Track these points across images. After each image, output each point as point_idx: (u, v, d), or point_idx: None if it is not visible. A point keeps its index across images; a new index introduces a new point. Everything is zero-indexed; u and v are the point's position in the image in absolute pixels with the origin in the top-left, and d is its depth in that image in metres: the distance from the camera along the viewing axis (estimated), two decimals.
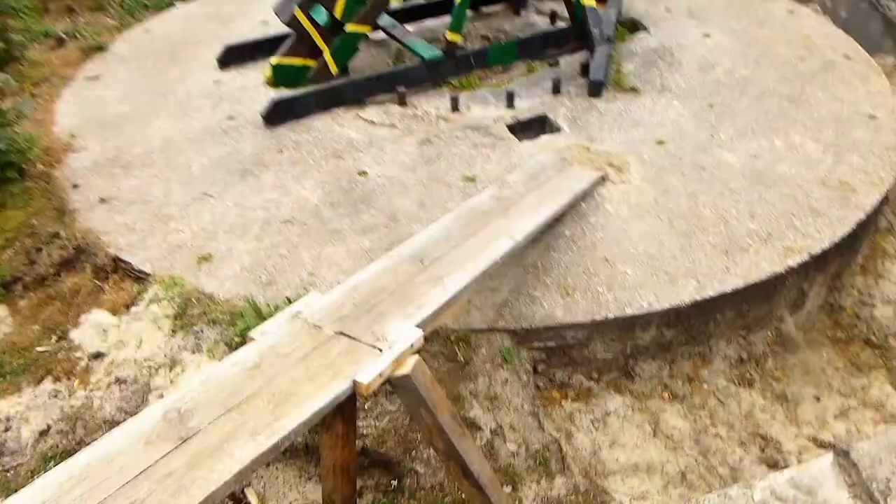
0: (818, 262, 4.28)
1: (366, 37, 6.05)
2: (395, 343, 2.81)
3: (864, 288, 4.86)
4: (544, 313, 3.87)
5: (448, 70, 5.93)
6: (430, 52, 5.90)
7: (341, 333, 2.88)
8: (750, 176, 4.83)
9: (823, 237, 4.35)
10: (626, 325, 3.93)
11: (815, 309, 4.62)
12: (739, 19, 7.04)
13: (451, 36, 5.82)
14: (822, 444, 3.99)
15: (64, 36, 7.42)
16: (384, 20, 6.31)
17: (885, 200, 4.92)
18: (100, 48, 7.01)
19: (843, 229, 4.41)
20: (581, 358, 4.01)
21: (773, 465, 3.87)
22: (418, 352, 2.85)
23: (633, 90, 5.77)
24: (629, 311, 3.89)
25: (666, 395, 4.14)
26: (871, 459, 2.53)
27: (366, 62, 6.40)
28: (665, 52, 6.35)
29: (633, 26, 6.88)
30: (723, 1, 7.46)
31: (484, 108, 5.62)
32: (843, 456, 2.59)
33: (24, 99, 5.80)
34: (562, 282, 4.02)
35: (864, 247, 5.01)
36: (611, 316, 3.87)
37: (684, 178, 4.78)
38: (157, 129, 5.62)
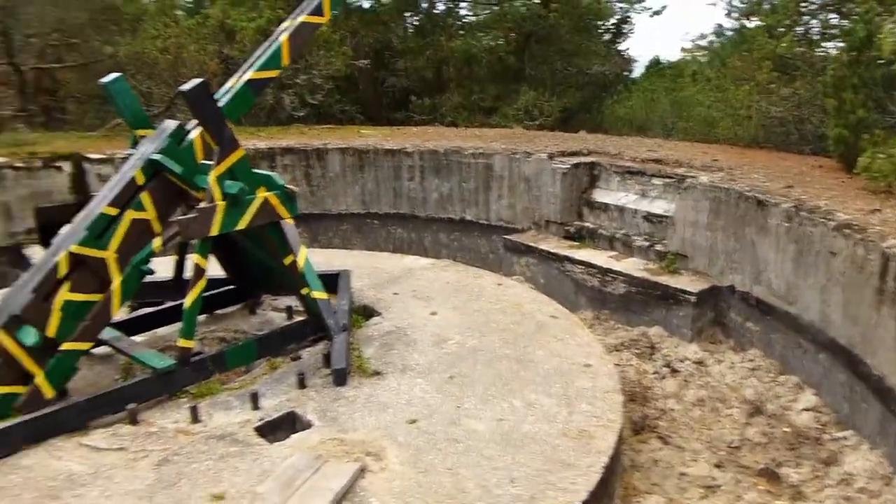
0: None
1: (86, 353, 5.58)
2: None
3: None
4: None
5: (184, 379, 5.61)
6: (163, 361, 5.59)
7: None
8: (501, 441, 5.01)
9: (580, 488, 4.54)
10: None
11: None
12: (458, 295, 7.84)
13: (183, 342, 5.60)
14: None
15: None
16: (108, 333, 5.93)
17: (621, 440, 5.37)
18: None
19: (594, 476, 4.66)
20: None
21: None
22: None
23: (377, 373, 5.92)
24: None
25: None
26: None
27: (88, 381, 5.83)
28: (400, 333, 6.74)
29: (367, 312, 7.28)
30: (441, 282, 8.32)
31: (227, 413, 5.31)
32: None
33: None
34: None
35: (618, 487, 5.32)
36: None
37: (441, 453, 4.81)
38: None
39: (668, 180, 10.39)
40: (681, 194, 9.91)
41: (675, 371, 8.51)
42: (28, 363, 5.23)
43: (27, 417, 4.96)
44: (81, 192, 11.64)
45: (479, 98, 21.14)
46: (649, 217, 10.46)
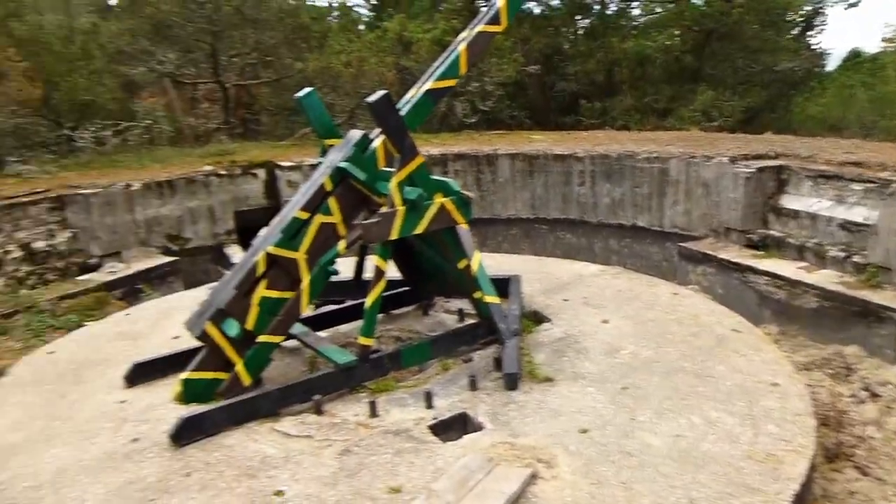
0: None
1: (278, 346, 6.06)
2: None
3: None
4: None
5: (363, 374, 5.92)
6: (345, 357, 5.93)
7: None
8: (678, 458, 4.80)
9: None
10: None
11: None
12: (631, 304, 7.60)
13: (363, 340, 5.91)
14: None
15: None
16: (296, 328, 6.40)
17: (812, 467, 4.94)
18: None
19: None
20: None
21: None
22: None
23: (548, 380, 5.89)
24: None
25: None
26: None
27: (279, 372, 6.33)
28: (571, 340, 6.66)
29: (537, 318, 7.27)
30: (612, 289, 8.11)
31: (403, 410, 5.53)
32: None
33: None
34: None
35: None
36: None
37: (615, 466, 4.69)
38: (51, 459, 5.15)
39: (869, 185, 9.42)
40: (885, 200, 8.94)
41: (875, 395, 7.69)
42: (230, 353, 5.79)
43: (230, 402, 5.48)
44: (273, 196, 12.70)
45: (653, 100, 20.43)
46: (846, 225, 9.54)
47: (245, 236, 11.88)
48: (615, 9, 23.17)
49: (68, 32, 14.13)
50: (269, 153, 13.43)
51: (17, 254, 9.97)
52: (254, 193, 12.63)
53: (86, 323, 8.54)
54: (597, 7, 22.95)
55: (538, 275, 8.58)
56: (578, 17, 23.36)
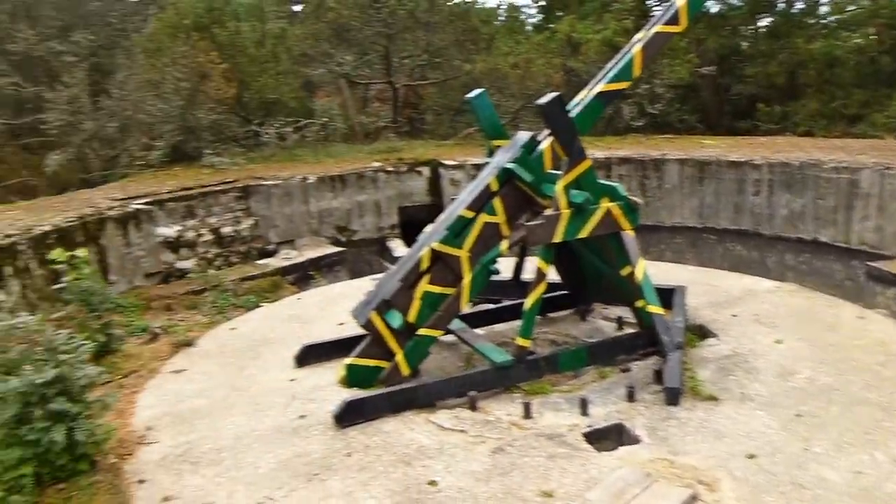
0: None
1: (437, 340, 6.22)
2: None
3: None
4: None
5: (519, 375, 5.94)
6: (502, 356, 5.98)
7: None
8: (858, 496, 4.39)
9: None
10: None
11: None
12: (810, 325, 7.03)
13: (520, 341, 5.93)
14: None
15: (158, 331, 7.94)
16: (455, 324, 6.54)
17: None
18: (188, 344, 7.42)
19: None
20: None
21: None
22: None
23: (712, 398, 5.60)
24: None
25: None
26: None
27: (436, 364, 6.51)
28: (739, 358, 6.28)
29: (701, 332, 6.93)
30: (787, 307, 7.54)
31: (557, 415, 5.49)
32: None
33: (111, 391, 6.00)
34: None
35: None
36: None
37: (785, 498, 4.37)
38: (230, 425, 5.64)
39: None
40: None
41: None
42: (392, 343, 6.03)
43: (390, 390, 5.71)
44: (436, 193, 13.05)
45: (842, 104, 18.71)
46: None
47: (407, 231, 12.32)
48: (801, 7, 21.48)
49: (261, 37, 15.33)
50: (434, 152, 13.80)
51: (208, 237, 10.99)
52: (417, 190, 13.04)
53: (262, 304, 9.25)
54: (781, 5, 21.39)
55: (704, 287, 8.17)
56: (760, 16, 21.91)
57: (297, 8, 22.31)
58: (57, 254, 7.04)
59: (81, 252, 7.17)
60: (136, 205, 10.15)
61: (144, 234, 10.16)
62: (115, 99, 12.61)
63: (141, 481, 4.95)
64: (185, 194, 10.90)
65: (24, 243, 8.20)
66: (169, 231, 10.52)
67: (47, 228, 8.60)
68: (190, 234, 10.79)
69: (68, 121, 12.28)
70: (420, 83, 18.58)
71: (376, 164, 12.85)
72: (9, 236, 8.11)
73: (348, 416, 5.47)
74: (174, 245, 10.59)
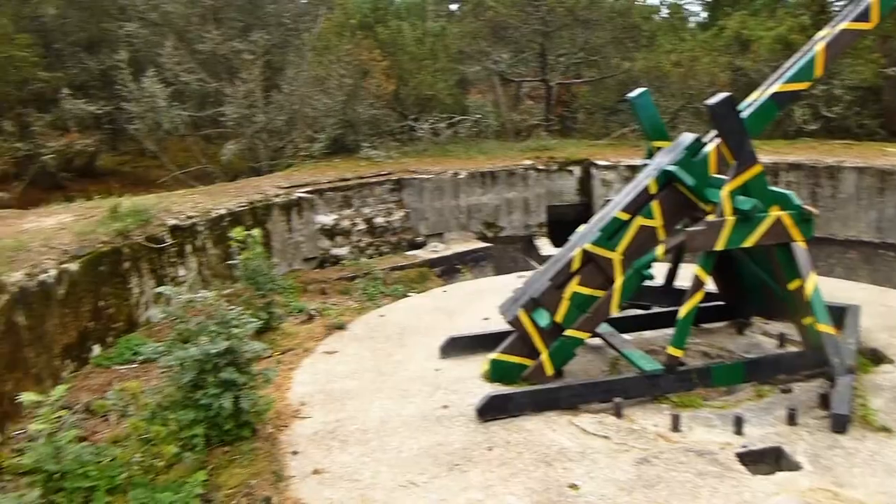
0: None
1: (583, 342, 6.12)
2: None
3: None
4: None
5: (668, 385, 5.72)
6: (651, 364, 5.78)
7: None
8: None
9: None
10: None
11: None
12: None
13: (672, 350, 5.70)
14: None
15: (313, 313, 8.42)
16: (602, 327, 6.41)
17: None
18: (340, 327, 7.80)
19: None
20: None
21: None
22: None
23: (885, 430, 5.11)
24: None
25: None
26: None
27: (580, 367, 6.41)
28: None
29: (875, 357, 6.33)
30: None
31: (708, 431, 5.23)
32: None
33: (271, 366, 6.44)
34: None
35: None
36: None
37: None
38: (377, 408, 5.87)
39: None
40: None
41: None
42: (538, 341, 6.01)
43: (533, 388, 5.70)
44: (586, 194, 12.83)
45: None
46: None
47: (555, 230, 12.21)
48: None
49: (421, 35, 15.77)
50: (586, 151, 13.56)
51: (362, 226, 11.49)
52: (567, 189, 12.88)
53: (410, 293, 9.54)
54: None
55: (880, 308, 7.45)
56: None
57: (454, 7, 22.71)
58: (237, 232, 7.63)
59: (256, 232, 7.73)
60: (299, 193, 10.79)
61: (305, 221, 10.78)
62: (285, 94, 13.44)
63: (294, 452, 5.27)
64: (343, 185, 11.45)
65: (203, 224, 8.98)
66: (327, 219, 11.10)
67: (223, 212, 9.36)
68: (345, 223, 11.33)
69: (243, 114, 13.24)
70: (574, 81, 18.31)
71: (527, 162, 12.83)
72: (190, 217, 8.91)
73: (491, 410, 5.52)
74: (331, 232, 11.16)
